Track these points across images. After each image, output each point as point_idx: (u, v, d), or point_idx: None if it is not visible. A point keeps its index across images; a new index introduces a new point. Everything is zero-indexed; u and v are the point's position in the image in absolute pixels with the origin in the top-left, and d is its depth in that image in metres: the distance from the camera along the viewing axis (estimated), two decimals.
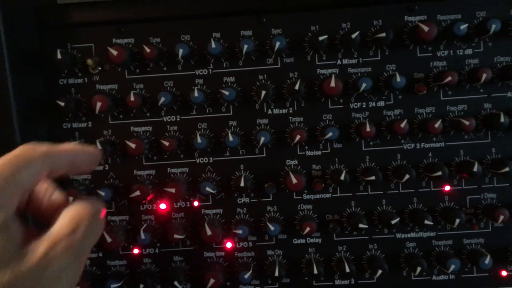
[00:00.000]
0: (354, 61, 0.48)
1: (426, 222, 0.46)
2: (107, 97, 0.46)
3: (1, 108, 0.44)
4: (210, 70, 0.48)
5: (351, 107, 0.48)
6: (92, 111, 0.46)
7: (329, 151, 0.48)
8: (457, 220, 0.45)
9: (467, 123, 0.45)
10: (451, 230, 0.48)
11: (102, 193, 0.46)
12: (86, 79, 0.48)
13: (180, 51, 0.45)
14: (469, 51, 0.47)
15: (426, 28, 0.44)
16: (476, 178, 0.47)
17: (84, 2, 0.48)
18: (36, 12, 0.47)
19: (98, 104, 0.45)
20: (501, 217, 0.45)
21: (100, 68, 0.48)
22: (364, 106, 0.48)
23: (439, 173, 0.45)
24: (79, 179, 0.49)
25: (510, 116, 0.46)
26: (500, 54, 0.47)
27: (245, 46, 0.45)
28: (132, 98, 0.46)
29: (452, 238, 0.48)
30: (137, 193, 0.46)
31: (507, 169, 0.45)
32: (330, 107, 0.48)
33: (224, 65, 0.48)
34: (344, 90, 0.46)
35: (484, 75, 0.44)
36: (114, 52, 0.45)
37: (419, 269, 0.46)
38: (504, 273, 0.48)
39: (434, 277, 0.49)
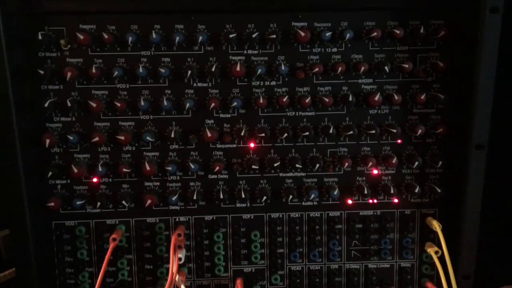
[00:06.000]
0: (255, 52, 0.67)
1: (297, 165, 0.67)
2: (75, 68, 0.64)
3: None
4: (152, 52, 0.66)
5: (252, 84, 0.68)
6: (63, 77, 0.64)
7: (235, 114, 0.68)
8: (317, 165, 0.67)
9: (327, 100, 0.66)
10: (316, 172, 0.70)
11: (71, 137, 0.65)
12: (59, 53, 0.65)
13: (130, 39, 0.63)
14: (334, 50, 0.67)
15: (303, 34, 0.64)
16: (333, 137, 0.69)
17: None
18: (22, 2, 0.63)
19: (69, 74, 0.62)
20: (346, 164, 0.67)
21: (69, 46, 0.65)
22: (261, 84, 0.68)
23: (307, 133, 0.66)
24: (52, 126, 0.67)
25: (358, 96, 0.68)
26: (355, 53, 0.67)
27: (177, 38, 0.63)
28: (93, 71, 0.63)
29: (316, 177, 0.70)
30: (96, 138, 0.64)
31: (351, 132, 0.66)
32: (237, 83, 0.67)
33: (162, 49, 0.66)
34: (247, 72, 0.66)
35: (340, 68, 0.65)
36: (81, 37, 0.62)
37: (291, 196, 0.68)
38: (349, 201, 0.71)
39: (303, 203, 0.71)
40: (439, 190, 0.69)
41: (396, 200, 0.71)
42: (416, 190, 0.69)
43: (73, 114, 0.66)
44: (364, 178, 0.71)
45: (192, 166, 0.66)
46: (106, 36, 0.63)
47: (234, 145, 0.69)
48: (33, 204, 0.65)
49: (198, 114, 0.68)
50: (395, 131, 0.67)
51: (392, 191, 0.68)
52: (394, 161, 0.67)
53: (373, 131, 0.67)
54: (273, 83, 0.68)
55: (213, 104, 0.65)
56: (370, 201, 0.71)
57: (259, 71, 0.65)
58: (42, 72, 0.63)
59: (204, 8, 0.66)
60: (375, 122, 0.69)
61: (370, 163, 0.68)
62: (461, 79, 0.66)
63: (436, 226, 0.68)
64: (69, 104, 0.64)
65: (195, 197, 0.67)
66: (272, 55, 0.67)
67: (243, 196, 0.68)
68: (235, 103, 0.65)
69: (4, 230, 0.84)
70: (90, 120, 0.67)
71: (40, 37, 0.62)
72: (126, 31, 0.64)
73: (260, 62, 0.67)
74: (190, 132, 0.68)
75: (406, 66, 0.65)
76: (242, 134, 0.66)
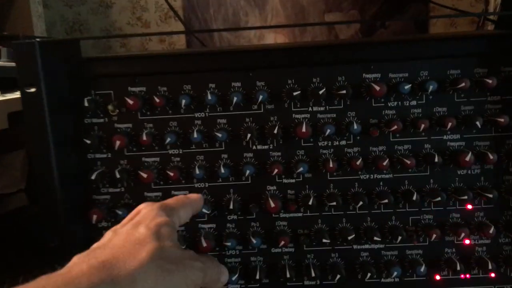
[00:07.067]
0: (322, 108, 0.59)
1: (375, 238, 0.58)
2: (123, 135, 0.58)
3: (41, 142, 0.56)
4: (206, 113, 0.60)
5: (319, 145, 0.60)
6: (111, 144, 0.58)
7: (301, 179, 0.60)
8: (399, 237, 0.58)
9: (408, 162, 0.57)
10: (396, 243, 0.61)
11: (119, 212, 0.59)
12: (106, 119, 0.60)
13: (183, 101, 0.57)
14: (413, 103, 0.59)
15: (377, 88, 0.56)
16: (416, 203, 0.59)
17: (104, 57, 0.59)
18: (66, 64, 0.59)
19: (117, 143, 0.57)
20: (434, 235, 0.58)
21: (118, 111, 0.60)
22: (329, 144, 0.60)
23: (386, 200, 0.57)
24: (100, 199, 0.61)
25: (444, 155, 0.59)
26: (439, 106, 0.59)
27: (235, 98, 0.57)
28: (144, 138, 0.57)
29: (397, 249, 0.61)
30: None
31: (439, 198, 0.57)
32: (302, 144, 0.60)
33: (218, 110, 0.60)
34: (314, 131, 0.58)
35: (423, 125, 0.56)
36: (130, 102, 0.57)
37: (369, 274, 0.59)
38: (437, 277, 0.61)
39: (382, 280, 0.61)
40: None
41: (493, 275, 0.60)
42: None
43: (122, 185, 0.60)
44: (454, 250, 0.60)
45: (254, 241, 0.58)
46: (157, 100, 0.57)
47: (300, 214, 0.61)
48: None
49: (259, 179, 0.60)
50: (491, 195, 0.57)
51: (489, 266, 0.58)
52: (491, 231, 0.57)
53: (465, 197, 0.57)
54: (343, 142, 0.60)
55: (276, 170, 0.57)
56: (462, 276, 0.60)
57: (328, 131, 0.57)
58: (89, 142, 0.57)
59: (263, 63, 0.59)
60: (465, 185, 0.59)
61: (462, 234, 0.57)
62: None
63: None
64: (118, 176, 0.58)
65: (257, 276, 0.59)
66: (341, 111, 0.59)
67: (312, 273, 0.59)
68: (300, 169, 0.57)
69: None
70: (140, 190, 0.60)
71: (86, 104, 0.57)
72: (178, 92, 0.59)
73: (328, 120, 0.59)
74: (251, 200, 0.60)
75: (502, 120, 0.56)
76: (310, 202, 0.58)
